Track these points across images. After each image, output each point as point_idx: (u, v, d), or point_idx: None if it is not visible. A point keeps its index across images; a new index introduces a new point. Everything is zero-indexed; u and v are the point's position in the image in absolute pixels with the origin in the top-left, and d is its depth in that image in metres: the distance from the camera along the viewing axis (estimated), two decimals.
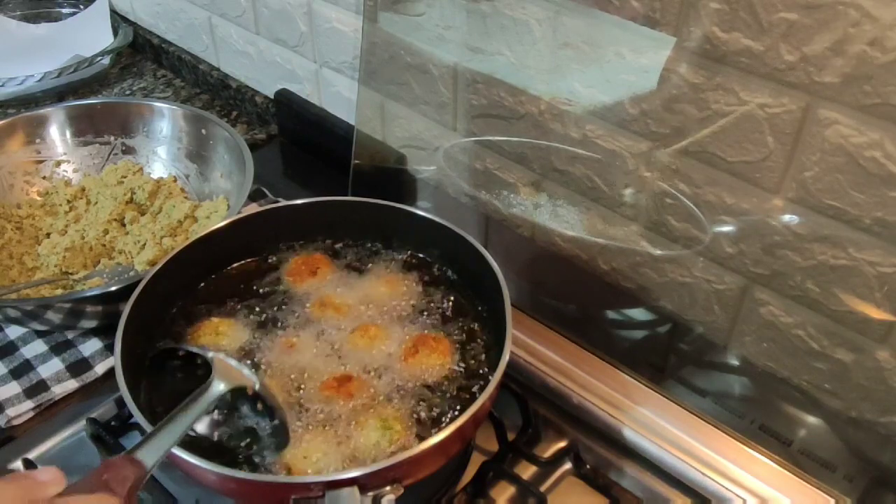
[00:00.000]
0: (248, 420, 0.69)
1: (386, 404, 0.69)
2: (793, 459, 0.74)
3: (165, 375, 0.73)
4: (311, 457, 0.64)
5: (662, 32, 0.70)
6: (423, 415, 0.69)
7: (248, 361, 0.73)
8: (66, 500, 0.40)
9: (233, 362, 0.69)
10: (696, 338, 0.85)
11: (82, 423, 0.78)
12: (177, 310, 0.79)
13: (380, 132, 1.08)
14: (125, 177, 1.06)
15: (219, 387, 0.64)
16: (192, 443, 0.66)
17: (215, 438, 0.68)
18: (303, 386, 0.71)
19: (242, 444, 0.67)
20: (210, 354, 0.68)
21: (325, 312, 0.78)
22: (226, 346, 0.75)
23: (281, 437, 0.66)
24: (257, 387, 0.67)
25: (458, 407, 0.69)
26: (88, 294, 0.82)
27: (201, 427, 0.68)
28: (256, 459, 0.66)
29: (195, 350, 0.70)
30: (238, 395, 0.68)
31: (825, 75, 0.62)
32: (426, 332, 0.76)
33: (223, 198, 1.01)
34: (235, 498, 0.70)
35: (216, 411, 0.69)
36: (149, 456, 0.53)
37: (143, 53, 1.50)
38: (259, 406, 0.68)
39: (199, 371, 0.70)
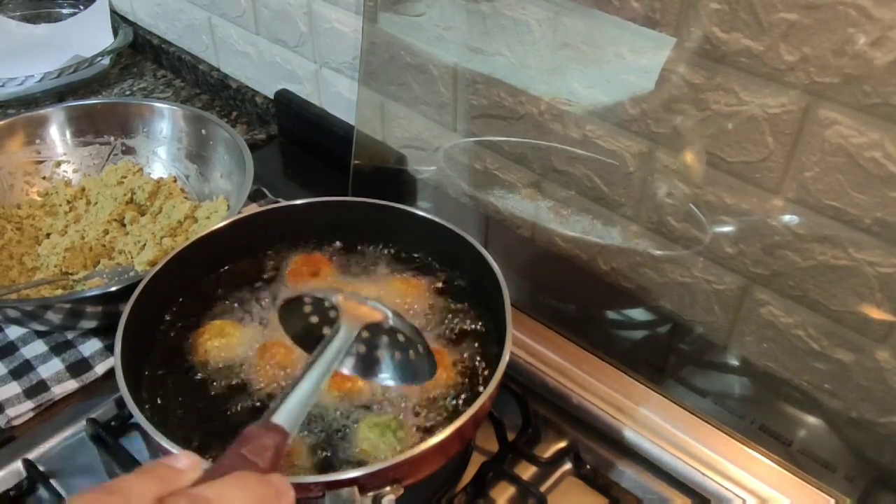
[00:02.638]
0: (389, 353, 0.63)
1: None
2: (793, 460, 0.74)
3: (165, 375, 0.73)
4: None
5: (662, 33, 0.70)
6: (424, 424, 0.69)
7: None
8: (208, 487, 0.37)
9: (360, 297, 0.62)
10: (696, 338, 0.85)
11: (82, 423, 0.78)
12: (177, 310, 0.79)
13: (380, 132, 1.08)
14: (125, 177, 1.06)
15: (349, 328, 0.58)
16: None
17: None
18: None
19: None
20: (335, 297, 0.61)
21: None
22: (235, 345, 0.75)
23: (428, 364, 0.62)
24: (391, 319, 0.61)
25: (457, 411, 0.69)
26: (88, 294, 0.82)
27: (345, 370, 0.63)
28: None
29: (320, 296, 0.62)
30: (377, 331, 0.62)
31: (825, 75, 0.62)
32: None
33: (223, 198, 1.01)
34: None
35: (361, 350, 0.63)
36: (287, 418, 0.47)
37: (143, 54, 1.50)
38: (400, 337, 0.62)
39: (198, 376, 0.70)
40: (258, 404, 0.70)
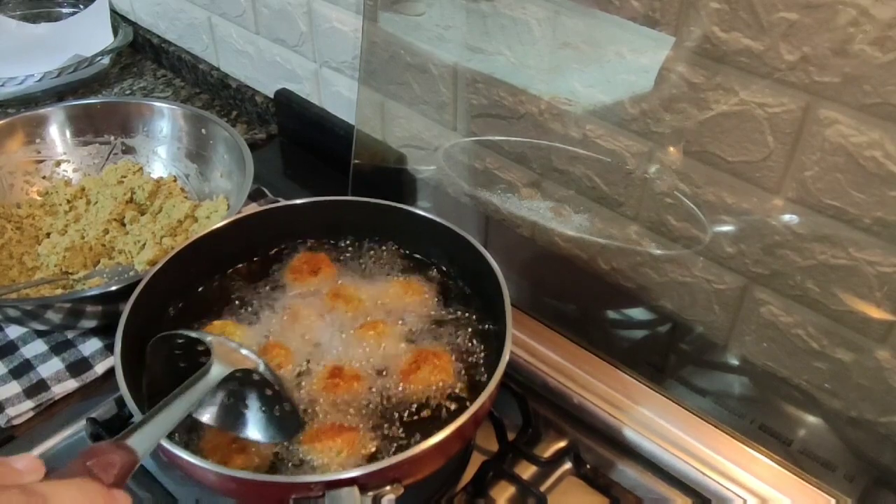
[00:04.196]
0: (256, 407, 0.64)
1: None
2: (793, 459, 0.74)
3: (167, 375, 0.73)
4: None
5: (662, 32, 0.70)
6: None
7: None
8: (42, 485, 0.37)
9: (233, 344, 0.63)
10: (696, 337, 0.85)
11: (82, 422, 0.78)
12: (177, 310, 0.79)
13: (380, 132, 1.08)
14: (125, 176, 1.06)
15: (218, 370, 0.59)
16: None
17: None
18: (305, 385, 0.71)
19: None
20: (209, 338, 0.63)
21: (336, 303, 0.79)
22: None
23: (294, 422, 0.63)
24: (261, 368, 0.62)
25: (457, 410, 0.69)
26: (88, 294, 0.82)
27: (206, 418, 0.64)
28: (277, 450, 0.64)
29: (194, 335, 0.64)
30: (245, 382, 0.63)
31: (825, 75, 0.62)
32: (427, 343, 0.75)
33: (223, 197, 1.01)
34: (235, 498, 0.70)
35: (226, 400, 0.64)
36: (140, 443, 0.48)
37: (142, 53, 1.50)
38: (268, 392, 0.64)
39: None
40: None
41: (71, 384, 0.84)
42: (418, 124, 1.03)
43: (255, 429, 0.64)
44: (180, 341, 0.64)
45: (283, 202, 0.88)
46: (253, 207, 0.99)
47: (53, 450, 0.78)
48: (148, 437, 0.50)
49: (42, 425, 0.80)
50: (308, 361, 0.73)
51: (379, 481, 0.60)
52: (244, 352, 0.62)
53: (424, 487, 0.70)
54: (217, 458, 0.65)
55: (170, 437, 0.62)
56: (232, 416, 0.64)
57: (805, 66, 0.63)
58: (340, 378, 0.70)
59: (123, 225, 1.01)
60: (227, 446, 0.66)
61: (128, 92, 1.39)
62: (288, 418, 0.63)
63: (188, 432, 0.67)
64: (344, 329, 0.76)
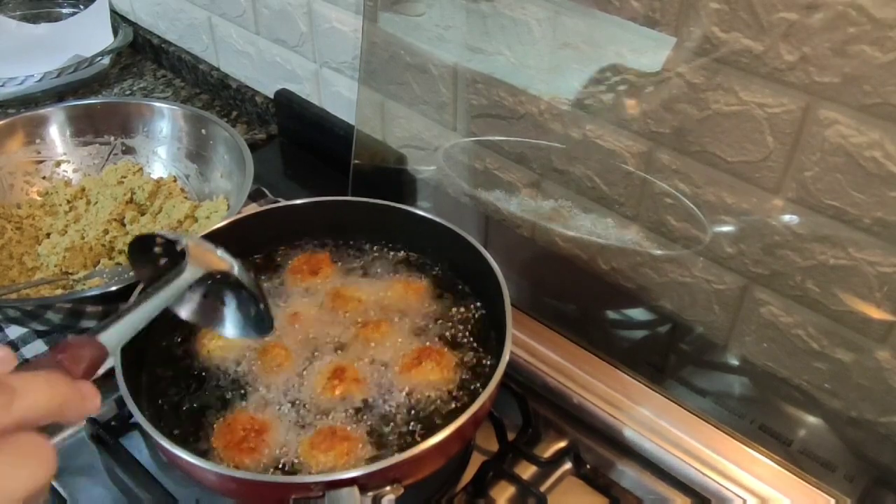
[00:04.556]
0: (233, 306, 0.65)
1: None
2: (793, 459, 0.74)
3: (165, 375, 0.73)
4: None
5: (662, 32, 0.70)
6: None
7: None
8: (11, 377, 0.38)
9: (209, 245, 0.62)
10: (696, 338, 0.85)
11: (82, 423, 0.78)
12: None
13: (380, 132, 1.08)
14: (125, 177, 1.06)
15: (192, 271, 0.59)
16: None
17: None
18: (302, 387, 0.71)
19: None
20: (185, 239, 0.62)
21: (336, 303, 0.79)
22: (236, 346, 0.75)
23: (266, 322, 0.64)
24: (236, 270, 0.62)
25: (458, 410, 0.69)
26: (88, 294, 0.82)
27: (184, 314, 0.64)
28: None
29: (170, 237, 0.63)
30: (222, 282, 0.64)
31: (825, 75, 0.62)
32: (427, 343, 0.75)
33: (223, 198, 1.01)
34: (235, 498, 0.70)
35: (203, 298, 0.64)
36: (109, 339, 0.49)
37: (142, 53, 1.50)
38: (244, 293, 0.64)
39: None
40: (257, 405, 0.70)
41: None
42: (418, 124, 1.03)
43: (230, 326, 0.65)
44: (160, 241, 0.63)
45: (283, 202, 0.88)
46: (253, 208, 0.99)
47: None
48: (118, 333, 0.51)
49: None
50: (308, 362, 0.73)
51: (379, 481, 0.60)
52: (220, 253, 0.62)
53: (424, 487, 0.70)
54: (228, 458, 0.65)
55: (171, 437, 0.62)
56: (209, 313, 0.65)
57: (805, 66, 0.63)
58: (341, 379, 0.70)
59: (123, 225, 1.01)
60: (237, 446, 0.66)
61: (128, 92, 1.39)
62: (262, 318, 0.64)
63: (196, 431, 0.68)
64: (344, 329, 0.76)
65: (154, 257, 0.64)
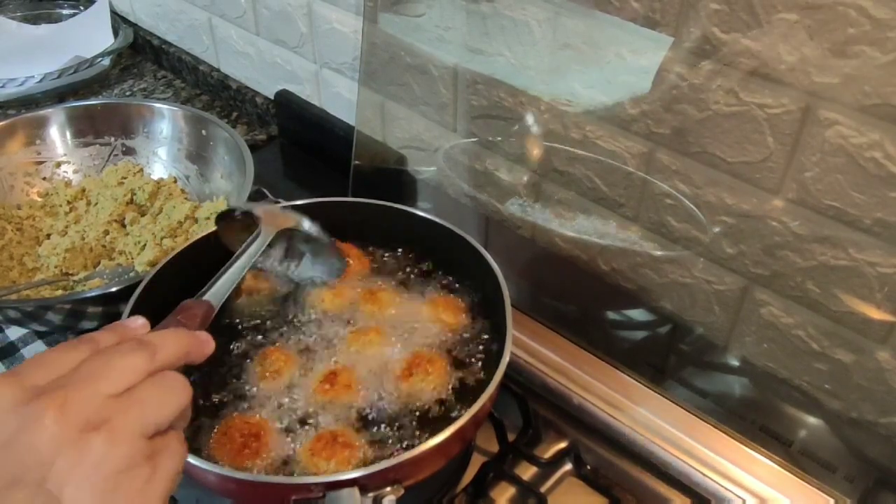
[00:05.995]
0: (309, 254, 0.78)
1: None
2: (793, 460, 0.74)
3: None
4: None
5: (662, 33, 0.71)
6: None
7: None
8: (150, 335, 0.50)
9: (277, 208, 0.77)
10: (696, 338, 0.85)
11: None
12: None
13: (380, 133, 1.08)
14: (125, 178, 1.06)
15: (267, 231, 0.71)
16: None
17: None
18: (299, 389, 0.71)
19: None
20: (257, 209, 0.74)
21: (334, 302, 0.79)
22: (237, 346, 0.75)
23: (339, 264, 0.78)
24: (305, 225, 0.75)
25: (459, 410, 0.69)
26: (89, 295, 0.82)
27: (269, 265, 0.78)
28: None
29: (245, 209, 0.75)
30: (295, 237, 0.77)
31: (825, 76, 0.62)
32: (427, 344, 0.75)
33: (223, 199, 1.01)
34: (235, 498, 0.70)
35: (283, 252, 0.78)
36: (214, 295, 0.62)
37: (143, 54, 1.50)
38: (315, 243, 0.77)
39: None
40: (257, 408, 0.70)
41: None
42: (418, 125, 1.03)
43: (310, 273, 0.79)
44: (238, 214, 0.75)
45: (283, 203, 0.88)
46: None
47: None
48: (219, 291, 0.63)
49: None
50: (305, 366, 0.73)
51: (379, 482, 0.60)
52: (287, 213, 0.76)
53: (425, 488, 0.70)
54: (227, 460, 0.65)
55: None
56: (288, 263, 0.79)
57: (805, 66, 0.63)
58: (335, 383, 0.70)
59: (124, 226, 1.01)
60: (238, 450, 0.66)
61: (128, 93, 1.39)
62: (333, 261, 0.78)
63: (195, 435, 0.68)
64: (343, 331, 0.76)
65: (237, 227, 0.75)
